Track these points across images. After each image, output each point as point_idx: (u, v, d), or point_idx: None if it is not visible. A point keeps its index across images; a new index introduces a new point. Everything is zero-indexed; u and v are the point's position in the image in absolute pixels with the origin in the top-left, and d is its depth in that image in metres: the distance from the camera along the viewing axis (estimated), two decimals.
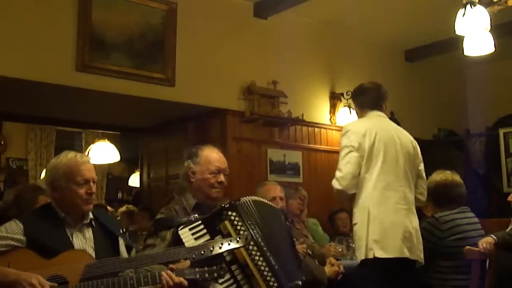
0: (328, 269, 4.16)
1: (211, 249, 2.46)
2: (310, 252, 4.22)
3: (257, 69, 6.13)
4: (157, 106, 5.75)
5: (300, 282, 2.84)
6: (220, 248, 2.48)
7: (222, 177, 2.96)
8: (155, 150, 7.05)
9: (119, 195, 10.33)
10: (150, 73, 5.33)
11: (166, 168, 6.75)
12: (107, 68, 5.07)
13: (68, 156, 2.64)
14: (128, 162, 9.01)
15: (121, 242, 2.73)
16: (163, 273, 2.37)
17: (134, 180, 8.92)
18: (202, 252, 2.45)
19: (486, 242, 3.62)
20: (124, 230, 6.12)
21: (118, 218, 6.62)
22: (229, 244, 2.51)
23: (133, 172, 9.11)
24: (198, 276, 2.42)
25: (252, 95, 5.97)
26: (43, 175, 8.35)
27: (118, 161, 7.76)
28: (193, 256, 2.44)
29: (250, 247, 2.66)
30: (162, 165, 6.83)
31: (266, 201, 3.11)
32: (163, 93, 5.46)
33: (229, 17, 6.02)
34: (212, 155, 3.01)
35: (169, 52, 5.46)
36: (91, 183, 2.61)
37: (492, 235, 4.24)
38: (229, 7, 6.03)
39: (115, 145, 7.38)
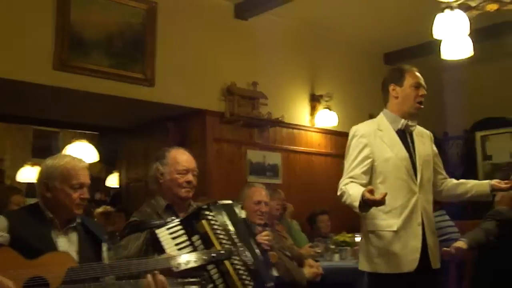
0: (307, 271, 4.17)
1: (195, 260, 2.45)
2: (288, 254, 4.22)
3: (237, 70, 6.13)
4: (136, 106, 5.71)
5: (273, 283, 2.86)
6: (205, 260, 2.47)
7: (190, 177, 2.96)
8: (134, 151, 7.00)
9: (97, 195, 10.24)
10: (129, 72, 5.30)
11: (145, 169, 6.69)
12: (85, 67, 5.03)
13: (66, 158, 2.63)
14: (106, 163, 8.92)
15: (105, 248, 2.71)
16: (148, 275, 2.35)
17: (112, 181, 8.85)
18: (186, 263, 2.44)
19: (456, 247, 3.65)
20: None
21: (95, 219, 6.56)
22: (213, 256, 2.50)
23: (111, 172, 9.03)
24: (180, 287, 2.40)
25: (232, 96, 5.97)
26: (19, 174, 8.26)
27: (96, 162, 7.68)
28: (176, 266, 2.43)
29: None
30: (141, 166, 6.78)
31: (229, 202, 3.11)
32: (143, 93, 5.43)
33: (209, 17, 6.01)
34: (179, 156, 3.01)
35: (148, 52, 5.44)
36: (85, 188, 2.60)
37: (463, 239, 4.29)
38: (209, 7, 6.02)
39: (93, 145, 7.31)
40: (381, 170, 3.04)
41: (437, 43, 4.09)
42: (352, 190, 2.88)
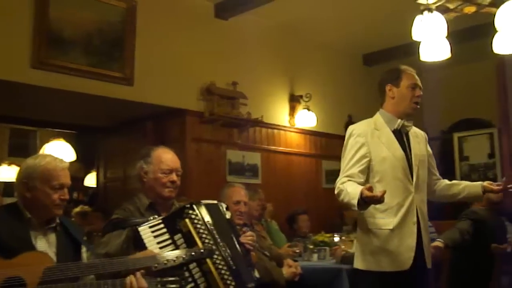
0: (285, 271, 4.18)
1: (174, 259, 2.44)
2: (267, 254, 4.23)
3: (217, 69, 6.12)
4: (115, 105, 5.67)
5: (253, 284, 2.87)
6: (184, 259, 2.47)
7: (174, 177, 2.95)
8: (112, 150, 6.95)
9: (74, 195, 10.15)
10: (108, 71, 5.26)
11: (123, 168, 6.66)
12: (64, 65, 4.98)
13: (48, 158, 2.61)
14: (84, 162, 8.85)
15: (84, 249, 2.69)
16: (128, 276, 2.34)
17: (90, 180, 8.78)
18: (165, 262, 2.43)
19: (435, 246, 3.68)
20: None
21: (73, 219, 6.50)
22: (193, 255, 2.49)
23: (89, 172, 8.97)
24: (159, 286, 2.39)
25: (211, 95, 5.95)
26: None
27: (74, 161, 7.61)
28: (155, 265, 2.41)
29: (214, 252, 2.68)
30: (119, 165, 6.74)
31: (214, 202, 3.11)
32: (121, 92, 5.39)
33: (189, 17, 5.99)
34: (164, 155, 3.00)
35: (128, 51, 5.40)
36: (65, 189, 2.60)
37: (439, 239, 4.34)
38: (189, 7, 6.00)
39: (71, 144, 7.25)
40: (378, 170, 3.07)
41: (416, 44, 4.12)
42: (350, 188, 2.88)
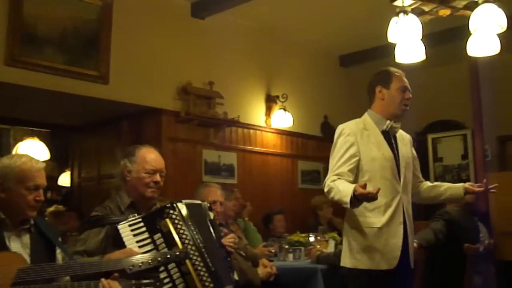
0: (261, 271, 4.18)
1: (150, 262, 2.42)
2: (243, 254, 4.23)
3: (193, 69, 6.10)
4: (90, 104, 5.62)
5: (231, 286, 2.88)
6: (159, 261, 2.45)
7: (158, 177, 2.94)
8: (87, 149, 6.90)
9: (48, 194, 10.03)
10: (83, 69, 5.21)
11: (98, 167, 6.61)
12: (38, 63, 4.92)
13: (23, 159, 2.57)
14: (58, 161, 8.74)
15: (58, 251, 2.65)
16: (102, 279, 2.31)
17: (64, 180, 8.69)
18: (140, 264, 2.41)
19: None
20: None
21: (47, 218, 6.43)
22: (168, 257, 2.48)
23: (63, 171, 8.87)
24: None
25: (188, 95, 5.93)
26: None
27: (48, 160, 7.53)
28: (130, 268, 2.39)
29: (191, 251, 2.66)
30: (94, 165, 6.69)
31: (197, 202, 3.11)
32: (96, 90, 5.34)
33: (166, 15, 5.96)
34: (148, 155, 2.98)
35: (103, 49, 5.35)
36: (41, 190, 2.56)
37: (414, 240, 4.38)
38: (166, 5, 5.97)
39: (45, 143, 7.17)
40: (367, 169, 3.09)
41: (392, 46, 4.15)
42: (341, 186, 2.90)
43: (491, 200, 5.85)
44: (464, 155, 7.50)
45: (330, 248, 4.83)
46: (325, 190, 3.01)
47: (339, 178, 2.99)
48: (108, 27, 5.39)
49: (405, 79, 3.26)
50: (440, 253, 4.78)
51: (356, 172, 3.09)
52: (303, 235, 5.12)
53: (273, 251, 5.00)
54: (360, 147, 3.11)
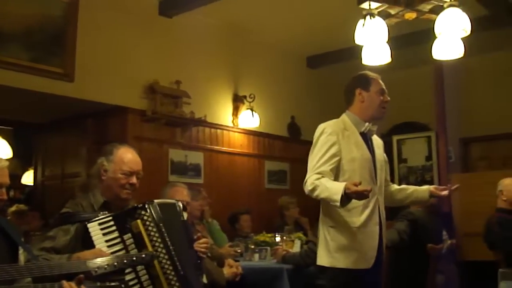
0: (226, 271, 4.18)
1: (115, 264, 2.39)
2: (209, 254, 4.21)
3: (160, 68, 6.06)
4: (54, 101, 5.52)
5: None
6: (125, 263, 2.42)
7: (134, 179, 2.89)
8: (51, 148, 6.78)
9: (11, 193, 9.85)
10: (48, 67, 5.12)
11: (62, 166, 6.51)
12: (2, 60, 4.81)
13: None
14: (22, 159, 8.59)
15: (21, 251, 2.60)
16: (64, 282, 2.27)
17: (28, 178, 8.55)
18: (105, 266, 2.37)
19: None
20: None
21: (9, 218, 6.31)
22: (134, 260, 2.45)
23: (27, 169, 8.72)
24: None
25: (154, 94, 5.88)
26: None
27: (11, 158, 7.40)
28: (96, 270, 2.35)
29: (161, 254, 2.64)
30: (58, 163, 6.58)
31: (171, 201, 3.08)
32: (61, 88, 5.26)
33: (133, 13, 5.90)
34: (126, 155, 2.93)
35: (69, 46, 5.27)
36: (3, 189, 2.50)
37: None
38: (133, 3, 5.92)
39: (7, 140, 7.05)
40: (347, 169, 3.12)
41: (359, 48, 4.20)
42: (329, 184, 2.93)
43: (454, 202, 5.97)
44: (428, 157, 7.62)
45: (296, 248, 4.85)
46: (309, 188, 3.01)
47: (322, 177, 3.00)
48: (74, 24, 5.31)
49: (382, 82, 3.33)
50: (404, 253, 4.84)
51: (336, 171, 3.12)
52: (269, 235, 5.13)
53: (239, 251, 5.00)
54: (341, 146, 3.13)
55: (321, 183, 2.96)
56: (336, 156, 3.10)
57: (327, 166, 3.06)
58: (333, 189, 2.88)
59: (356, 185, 2.77)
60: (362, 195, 2.79)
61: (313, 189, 2.99)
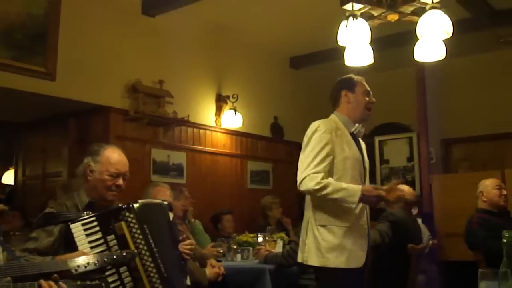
0: (209, 271, 4.17)
1: (96, 262, 2.37)
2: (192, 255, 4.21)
3: (143, 67, 6.03)
4: (35, 100, 5.48)
5: None
6: (106, 262, 2.40)
7: (120, 181, 2.85)
8: (32, 147, 6.73)
9: None
10: (29, 65, 5.08)
11: (43, 166, 6.46)
12: None
13: None
14: (2, 159, 8.53)
15: (0, 250, 2.57)
16: (42, 281, 2.25)
17: (8, 178, 8.47)
18: (86, 265, 2.35)
19: None
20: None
21: None
22: (115, 258, 2.43)
23: (7, 169, 8.64)
24: None
25: (137, 93, 5.86)
26: None
27: None
28: (76, 268, 2.33)
29: (145, 256, 2.62)
30: (39, 163, 6.53)
31: (156, 201, 3.06)
32: (43, 87, 5.22)
33: (116, 12, 5.87)
34: (113, 156, 2.88)
35: (51, 45, 5.23)
36: None
37: None
38: (116, 2, 5.89)
39: None
40: (340, 168, 3.13)
41: (342, 49, 4.21)
42: (345, 184, 3.00)
43: (435, 202, 6.02)
44: (410, 158, 7.68)
45: (278, 248, 4.85)
46: (314, 187, 3.00)
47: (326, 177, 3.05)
48: (56, 23, 5.27)
49: (366, 84, 3.38)
50: (385, 254, 4.86)
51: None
52: (252, 235, 5.12)
53: (221, 251, 4.99)
54: (334, 145, 3.14)
55: (332, 182, 3.00)
56: (330, 155, 3.11)
57: (323, 167, 3.07)
58: (349, 190, 2.96)
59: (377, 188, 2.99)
60: (381, 198, 2.95)
61: (322, 188, 2.99)
